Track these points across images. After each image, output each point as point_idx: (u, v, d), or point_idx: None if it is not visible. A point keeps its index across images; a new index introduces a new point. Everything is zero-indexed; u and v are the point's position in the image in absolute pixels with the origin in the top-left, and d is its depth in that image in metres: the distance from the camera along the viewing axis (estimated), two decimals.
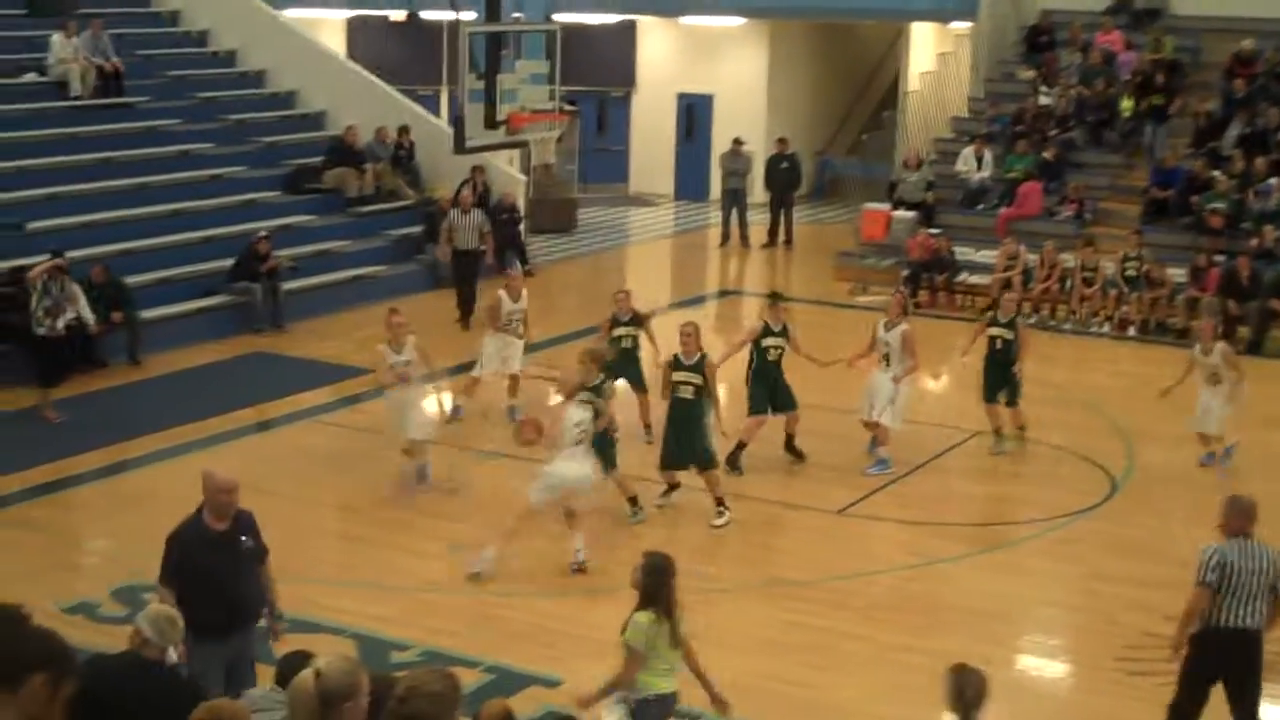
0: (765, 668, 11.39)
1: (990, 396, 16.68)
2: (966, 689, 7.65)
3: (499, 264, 23.97)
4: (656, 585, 8.75)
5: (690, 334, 14.53)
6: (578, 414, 12.87)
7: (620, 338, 16.42)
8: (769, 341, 15.93)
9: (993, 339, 16.68)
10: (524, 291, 17.65)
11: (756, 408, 15.96)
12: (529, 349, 17.73)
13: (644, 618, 8.71)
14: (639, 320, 16.75)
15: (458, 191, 24.19)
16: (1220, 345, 16.34)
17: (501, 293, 17.46)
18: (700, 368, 14.40)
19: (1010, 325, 16.70)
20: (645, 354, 16.77)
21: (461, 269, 22.52)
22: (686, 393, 14.37)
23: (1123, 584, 13.28)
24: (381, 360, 14.98)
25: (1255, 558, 9.21)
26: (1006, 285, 23.55)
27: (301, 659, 6.69)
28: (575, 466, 12.88)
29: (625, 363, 16.34)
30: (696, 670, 9.02)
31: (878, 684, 11.35)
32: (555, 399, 13.72)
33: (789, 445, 16.25)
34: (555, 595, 12.67)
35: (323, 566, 13.14)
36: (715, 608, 12.79)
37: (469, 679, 10.21)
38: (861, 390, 16.21)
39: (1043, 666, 12.10)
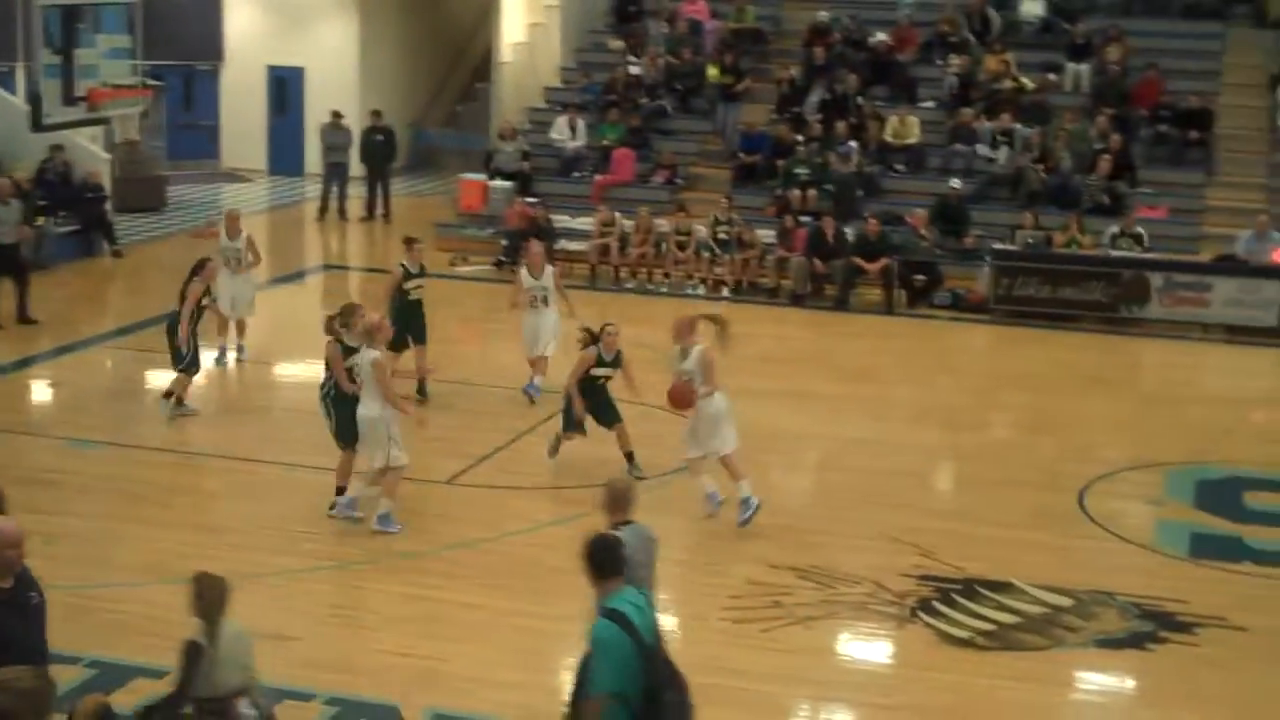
0: (388, 643, 11.37)
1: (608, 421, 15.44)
2: (207, 594, 8.30)
3: (86, 245, 23.05)
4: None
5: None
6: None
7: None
8: (411, 284, 17.07)
9: (595, 378, 15.19)
10: (243, 230, 18.77)
11: (398, 344, 16.42)
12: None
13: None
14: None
15: None
16: (698, 350, 14.07)
17: (221, 231, 18.47)
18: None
19: (615, 363, 15.23)
20: None
21: None
22: None
23: (726, 537, 13.71)
24: None
25: (644, 541, 9.30)
26: (603, 250, 24.03)
27: None
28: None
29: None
30: None
31: (497, 651, 11.44)
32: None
33: (420, 389, 17.12)
34: (163, 583, 12.22)
35: None
36: (334, 586, 12.68)
37: (68, 675, 9.85)
38: (524, 333, 17.41)
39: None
